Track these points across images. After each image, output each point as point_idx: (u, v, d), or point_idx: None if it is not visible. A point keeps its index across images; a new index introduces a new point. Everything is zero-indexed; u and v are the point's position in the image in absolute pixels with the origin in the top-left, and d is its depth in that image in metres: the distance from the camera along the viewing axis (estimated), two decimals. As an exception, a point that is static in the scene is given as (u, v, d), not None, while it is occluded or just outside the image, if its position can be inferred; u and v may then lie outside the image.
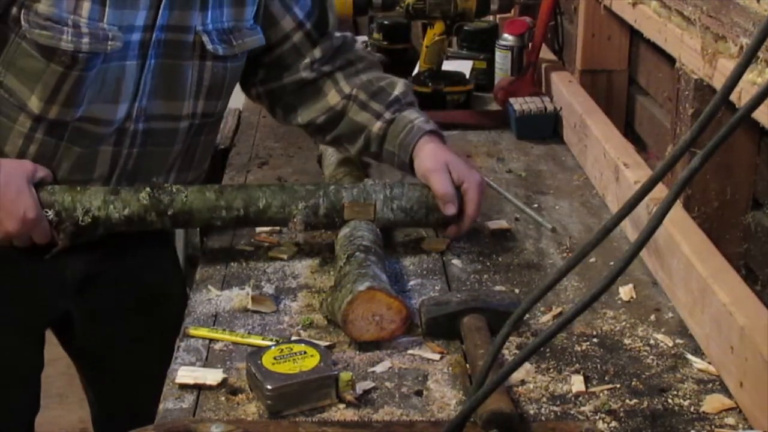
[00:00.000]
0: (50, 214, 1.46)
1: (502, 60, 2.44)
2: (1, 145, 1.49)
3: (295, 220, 1.52)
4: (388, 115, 1.64)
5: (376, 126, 1.64)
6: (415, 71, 2.39)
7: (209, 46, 1.54)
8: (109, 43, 1.43)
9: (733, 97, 1.23)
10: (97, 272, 1.65)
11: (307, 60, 1.67)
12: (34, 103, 1.46)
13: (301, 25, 1.66)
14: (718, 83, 1.40)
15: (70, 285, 1.64)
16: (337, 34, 1.72)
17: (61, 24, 1.40)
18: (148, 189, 1.49)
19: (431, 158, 1.58)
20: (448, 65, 2.40)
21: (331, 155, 1.81)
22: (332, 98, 1.67)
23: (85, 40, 1.41)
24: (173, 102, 1.55)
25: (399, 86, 1.68)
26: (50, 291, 1.63)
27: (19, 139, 1.48)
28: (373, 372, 1.24)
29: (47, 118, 1.47)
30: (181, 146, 1.60)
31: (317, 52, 1.67)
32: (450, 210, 1.54)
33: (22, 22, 1.40)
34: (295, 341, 1.25)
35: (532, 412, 1.16)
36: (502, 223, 1.69)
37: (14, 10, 1.41)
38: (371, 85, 1.68)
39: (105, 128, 1.50)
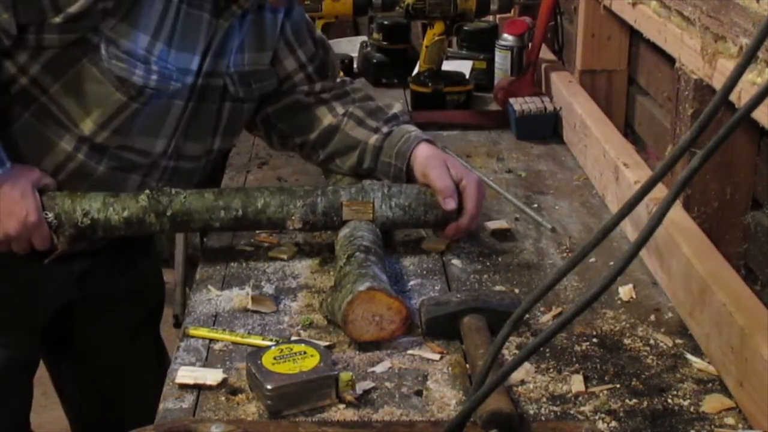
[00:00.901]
0: (50, 216, 1.47)
1: (502, 60, 2.44)
2: (39, 159, 1.51)
3: (293, 217, 1.52)
4: (385, 129, 1.66)
5: (373, 139, 1.65)
6: (415, 71, 2.39)
7: (231, 89, 1.59)
8: (172, 83, 1.49)
9: (733, 97, 1.23)
10: (96, 264, 1.67)
11: (305, 88, 1.70)
12: (87, 125, 1.48)
13: (303, 68, 1.70)
14: (718, 83, 1.40)
15: (75, 278, 1.66)
16: (338, 80, 1.75)
17: (135, 59, 1.45)
18: (147, 191, 1.49)
19: (429, 158, 1.59)
20: (448, 65, 2.40)
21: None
22: (327, 120, 1.69)
23: (154, 77, 1.47)
24: (199, 143, 1.61)
25: (396, 106, 1.72)
26: (54, 287, 1.64)
27: (61, 155, 1.50)
28: (373, 372, 1.24)
29: (94, 141, 1.49)
30: (196, 181, 1.65)
31: (316, 87, 1.70)
32: (450, 204, 1.53)
33: (102, 52, 1.44)
34: (295, 341, 1.25)
35: (532, 412, 1.16)
36: (502, 223, 1.69)
37: (94, 38, 1.43)
38: (367, 105, 1.70)
39: (142, 159, 1.55)
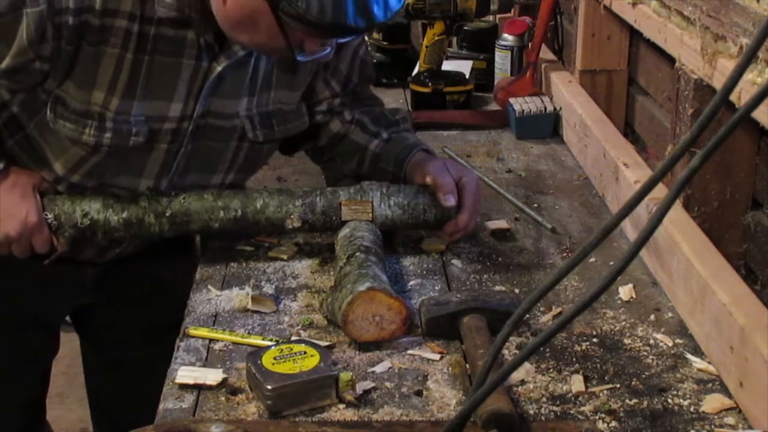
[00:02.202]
0: (50, 217, 1.47)
1: (501, 60, 2.44)
2: None
3: (292, 216, 1.52)
4: (385, 135, 1.65)
5: (373, 144, 1.65)
6: (415, 71, 2.39)
7: (250, 134, 1.54)
8: (132, 138, 1.44)
9: (733, 97, 1.23)
10: (116, 270, 1.67)
11: (324, 107, 1.67)
12: (58, 168, 1.49)
13: (335, 96, 1.67)
14: (718, 83, 1.40)
15: (91, 281, 1.67)
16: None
17: (86, 117, 1.42)
18: (147, 193, 1.50)
19: (428, 160, 1.59)
20: (448, 65, 2.40)
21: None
22: (334, 126, 1.68)
23: (108, 135, 1.43)
24: (204, 174, 1.57)
25: (399, 113, 1.71)
26: (68, 288, 1.65)
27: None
28: (373, 372, 1.24)
29: (70, 181, 1.50)
30: None
31: (336, 101, 1.68)
32: (450, 201, 1.52)
33: (48, 112, 1.42)
34: (295, 341, 1.25)
35: (532, 412, 1.16)
36: (502, 223, 1.69)
37: (42, 95, 1.42)
38: (373, 111, 1.70)
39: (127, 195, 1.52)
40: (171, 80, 1.44)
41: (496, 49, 2.45)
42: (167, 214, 1.49)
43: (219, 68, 1.46)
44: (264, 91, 1.54)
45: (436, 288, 1.47)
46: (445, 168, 1.55)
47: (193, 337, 1.33)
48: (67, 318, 1.82)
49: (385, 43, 2.61)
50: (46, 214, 1.47)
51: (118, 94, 1.42)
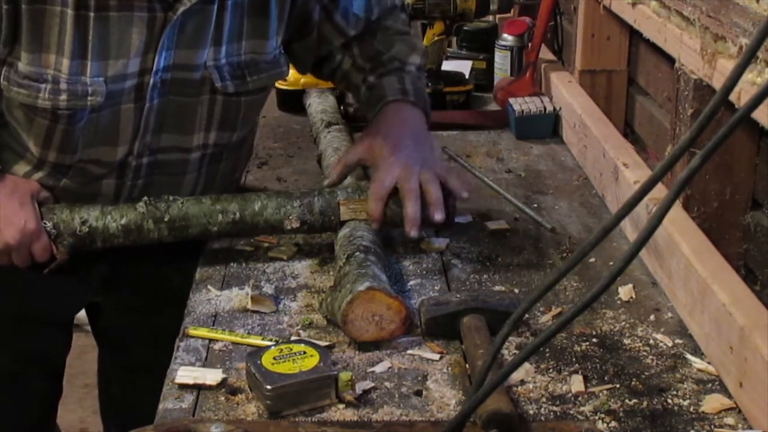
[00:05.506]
0: (48, 225, 1.48)
1: (501, 60, 2.44)
2: (8, 169, 1.52)
3: (290, 217, 1.52)
4: (371, 79, 1.65)
5: (363, 90, 1.66)
6: (415, 71, 2.39)
7: (218, 84, 1.51)
8: (89, 98, 1.41)
9: (732, 97, 1.23)
10: (125, 271, 1.67)
11: (344, 56, 1.70)
12: (33, 147, 1.48)
13: (349, 43, 1.68)
14: (717, 83, 1.40)
15: (98, 281, 1.67)
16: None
17: (39, 81, 1.39)
18: (145, 199, 1.50)
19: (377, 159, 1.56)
20: (447, 65, 2.40)
21: (330, 156, 1.81)
22: (345, 63, 1.70)
23: (63, 97, 1.40)
24: (182, 135, 1.54)
25: (396, 48, 1.69)
26: (79, 283, 1.65)
27: (27, 167, 1.51)
28: (373, 372, 1.24)
29: (48, 160, 1.49)
30: (195, 174, 1.60)
31: (355, 49, 1.69)
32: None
33: (2, 80, 1.41)
34: (295, 341, 1.25)
35: (531, 412, 1.16)
36: (502, 224, 1.69)
37: None
38: (368, 46, 1.69)
39: (106, 168, 1.52)
40: (124, 36, 1.40)
41: (495, 49, 2.45)
42: (166, 220, 1.49)
43: (175, 17, 1.41)
44: (234, 41, 1.51)
45: (436, 288, 1.47)
46: (383, 182, 1.50)
47: (192, 337, 1.33)
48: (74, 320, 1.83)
49: (385, 43, 2.61)
50: (45, 223, 1.48)
51: (67, 55, 1.38)
